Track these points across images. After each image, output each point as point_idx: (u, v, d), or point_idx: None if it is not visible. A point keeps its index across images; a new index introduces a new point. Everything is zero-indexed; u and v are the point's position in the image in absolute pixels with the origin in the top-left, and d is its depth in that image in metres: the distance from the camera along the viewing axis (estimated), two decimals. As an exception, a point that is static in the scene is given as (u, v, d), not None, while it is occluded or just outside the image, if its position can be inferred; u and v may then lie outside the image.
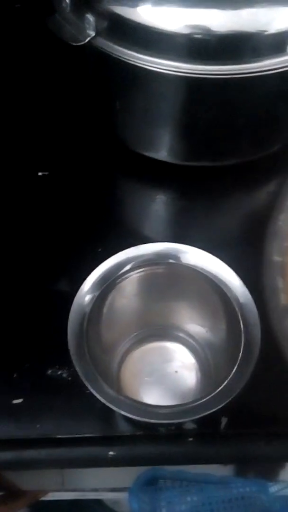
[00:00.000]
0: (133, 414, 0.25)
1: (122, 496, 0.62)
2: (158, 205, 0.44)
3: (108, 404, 0.25)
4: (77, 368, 0.26)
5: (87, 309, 0.28)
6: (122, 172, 0.46)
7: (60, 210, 0.44)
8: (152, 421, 0.25)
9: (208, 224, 0.43)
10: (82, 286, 0.29)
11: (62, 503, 0.69)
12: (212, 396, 0.26)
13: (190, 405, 0.26)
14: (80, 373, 0.26)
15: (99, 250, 0.41)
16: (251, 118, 0.39)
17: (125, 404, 0.25)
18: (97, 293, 0.28)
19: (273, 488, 0.64)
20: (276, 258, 0.16)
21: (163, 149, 0.43)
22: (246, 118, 0.39)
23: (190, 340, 0.35)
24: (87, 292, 0.28)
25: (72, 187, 0.45)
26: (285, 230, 0.16)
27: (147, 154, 0.44)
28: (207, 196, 0.45)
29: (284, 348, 0.14)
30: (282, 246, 0.16)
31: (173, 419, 0.25)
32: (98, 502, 0.72)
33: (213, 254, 0.31)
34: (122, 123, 0.44)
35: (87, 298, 0.28)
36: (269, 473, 0.62)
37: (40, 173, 0.46)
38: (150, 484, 0.62)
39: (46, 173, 0.46)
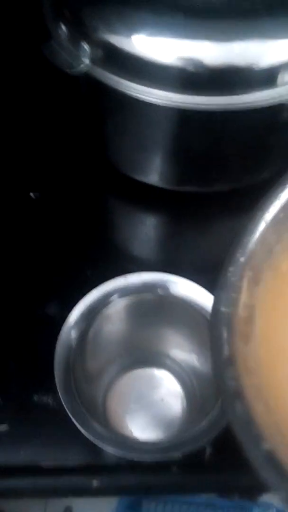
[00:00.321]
0: (119, 450, 0.25)
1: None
2: (148, 228, 0.45)
3: (95, 441, 0.25)
4: (64, 404, 0.26)
5: (73, 343, 0.28)
6: (113, 195, 0.47)
7: (50, 231, 0.44)
8: (136, 457, 0.25)
9: (197, 249, 0.44)
10: (68, 318, 0.29)
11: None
12: (198, 430, 0.26)
13: (176, 441, 0.26)
14: (67, 409, 0.26)
15: (88, 273, 0.41)
16: (240, 148, 0.40)
17: (111, 440, 0.25)
18: (83, 325, 0.28)
19: (256, 510, 0.64)
20: (223, 308, 0.17)
21: (153, 174, 0.43)
22: (235, 148, 0.39)
23: (177, 368, 0.35)
24: (74, 325, 0.29)
25: (63, 208, 0.45)
26: (233, 282, 0.17)
27: (138, 178, 0.44)
28: (196, 221, 0.45)
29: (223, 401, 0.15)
30: (229, 297, 0.17)
31: (159, 456, 0.25)
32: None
33: (201, 280, 0.32)
34: (114, 147, 0.44)
35: (73, 331, 0.28)
36: (253, 495, 0.62)
37: (31, 194, 0.46)
38: (134, 505, 0.62)
39: (37, 194, 0.46)
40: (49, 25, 0.38)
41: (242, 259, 0.18)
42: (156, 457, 0.26)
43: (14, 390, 0.35)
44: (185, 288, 0.30)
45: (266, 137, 0.39)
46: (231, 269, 0.18)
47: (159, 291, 0.30)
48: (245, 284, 0.17)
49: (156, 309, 0.32)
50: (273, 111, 0.36)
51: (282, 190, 0.20)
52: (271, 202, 0.21)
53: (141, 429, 0.34)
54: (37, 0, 0.38)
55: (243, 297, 0.17)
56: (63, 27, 0.37)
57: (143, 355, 0.35)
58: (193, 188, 0.44)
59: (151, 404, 0.34)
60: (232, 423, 0.14)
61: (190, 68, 0.34)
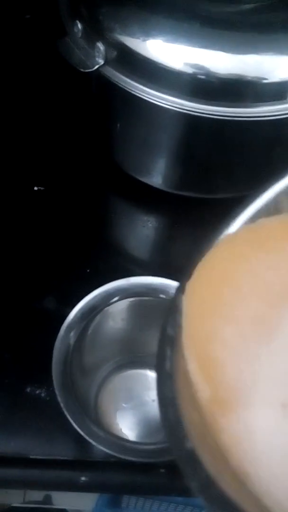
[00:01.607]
0: (110, 449, 0.25)
1: (85, 507, 0.63)
2: (149, 230, 0.45)
3: (86, 437, 0.25)
4: (59, 398, 0.26)
5: (72, 340, 0.28)
6: (116, 194, 0.47)
7: (51, 227, 0.44)
8: (129, 458, 0.25)
9: (196, 254, 0.44)
10: (69, 315, 0.30)
11: (25, 509, 0.68)
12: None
13: (166, 444, 0.26)
14: (61, 403, 0.26)
15: (88, 270, 0.42)
16: (245, 158, 0.40)
17: (103, 438, 0.25)
18: (83, 323, 0.29)
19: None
20: (169, 331, 0.18)
21: (158, 176, 0.44)
22: (241, 158, 0.40)
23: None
24: (74, 322, 0.29)
25: (65, 204, 0.46)
26: (179, 306, 0.18)
27: (142, 179, 0.45)
28: (197, 226, 0.45)
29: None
30: (176, 321, 0.18)
31: (148, 458, 0.26)
32: (61, 510, 0.72)
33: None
34: (121, 147, 0.44)
35: (73, 328, 0.29)
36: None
37: (36, 188, 0.46)
38: (114, 500, 0.62)
39: (41, 188, 0.46)
40: (65, 22, 0.38)
41: None
42: (146, 458, 0.26)
43: (8, 381, 0.36)
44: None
45: (272, 149, 0.39)
46: (179, 295, 0.19)
47: (161, 296, 0.30)
48: None
49: (155, 312, 0.32)
50: (280, 125, 0.36)
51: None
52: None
53: (131, 427, 0.34)
54: (55, -4, 0.38)
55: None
56: (79, 25, 0.37)
57: (139, 356, 0.36)
58: (196, 193, 0.44)
59: (143, 404, 0.35)
60: (164, 426, 0.16)
61: (202, 76, 0.34)
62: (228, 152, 0.39)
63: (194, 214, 0.46)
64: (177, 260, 0.44)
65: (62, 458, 0.33)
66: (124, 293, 0.30)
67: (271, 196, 0.23)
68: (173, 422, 0.16)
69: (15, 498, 0.60)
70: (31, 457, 0.33)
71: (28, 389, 0.36)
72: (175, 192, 0.44)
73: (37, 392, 0.36)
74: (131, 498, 0.65)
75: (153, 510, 0.65)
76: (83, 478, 0.32)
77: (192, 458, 0.15)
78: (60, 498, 0.62)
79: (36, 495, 0.61)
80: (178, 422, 0.16)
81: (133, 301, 0.31)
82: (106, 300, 0.30)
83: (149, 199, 0.45)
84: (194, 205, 0.45)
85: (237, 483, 0.15)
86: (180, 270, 0.43)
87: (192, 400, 0.16)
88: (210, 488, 0.15)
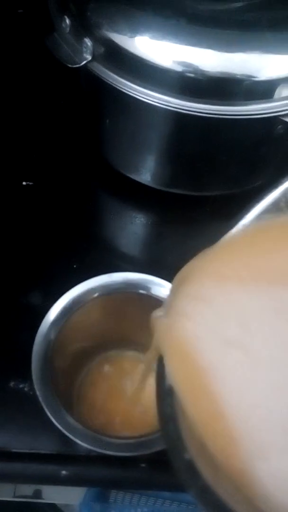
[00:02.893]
0: (89, 443, 0.25)
1: (75, 501, 0.63)
2: (137, 227, 0.45)
3: (66, 432, 0.25)
4: (38, 393, 0.27)
5: (53, 335, 0.28)
6: (105, 190, 0.47)
7: (39, 222, 0.44)
8: (107, 452, 0.26)
9: (184, 252, 0.44)
10: (50, 310, 0.30)
11: (14, 504, 0.69)
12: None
13: (147, 438, 0.26)
14: (40, 398, 0.26)
15: (74, 266, 0.42)
16: (234, 156, 0.40)
17: (82, 433, 0.26)
18: (64, 318, 0.29)
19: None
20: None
21: (146, 173, 0.44)
22: (229, 155, 0.40)
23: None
24: (55, 317, 0.29)
25: (54, 199, 0.46)
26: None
27: (130, 176, 0.45)
28: (185, 223, 0.46)
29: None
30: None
31: (129, 452, 0.26)
32: (51, 505, 0.73)
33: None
34: (109, 143, 0.44)
35: (54, 323, 0.29)
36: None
37: (24, 183, 0.46)
38: (102, 494, 0.63)
39: (30, 183, 0.46)
40: (53, 18, 0.38)
41: None
42: (126, 452, 0.26)
43: (-9, 375, 0.36)
44: (166, 290, 0.31)
45: (259, 147, 0.40)
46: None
47: (141, 291, 0.30)
48: None
49: (136, 308, 0.32)
50: (267, 124, 0.36)
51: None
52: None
53: (113, 422, 0.34)
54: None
55: None
56: (67, 21, 0.37)
57: (120, 351, 0.36)
58: (184, 190, 0.45)
59: (125, 399, 0.35)
60: (164, 438, 0.18)
61: (190, 73, 0.34)
62: (216, 150, 0.39)
63: (182, 211, 0.46)
64: (165, 257, 0.44)
65: (44, 452, 0.33)
66: (105, 288, 0.30)
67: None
68: (173, 436, 0.18)
69: (5, 493, 0.60)
70: (13, 451, 0.34)
71: (12, 384, 0.36)
72: (164, 189, 0.45)
73: (20, 386, 0.36)
74: (119, 492, 0.65)
75: (141, 505, 0.66)
76: (64, 472, 0.32)
77: (190, 468, 0.17)
78: (50, 493, 0.63)
79: (26, 490, 0.61)
80: (177, 436, 0.18)
81: (112, 297, 0.31)
82: (87, 295, 0.30)
83: (137, 195, 0.46)
84: (183, 202, 0.45)
85: (232, 488, 0.16)
86: (167, 266, 0.43)
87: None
88: (206, 494, 0.16)
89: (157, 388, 0.19)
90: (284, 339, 0.16)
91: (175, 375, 0.17)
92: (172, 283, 0.21)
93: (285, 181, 0.24)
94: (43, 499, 0.64)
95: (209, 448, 0.16)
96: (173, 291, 0.20)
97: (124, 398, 0.34)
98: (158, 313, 0.20)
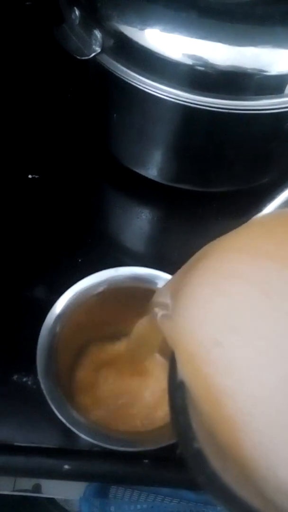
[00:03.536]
0: (92, 438, 0.25)
1: (74, 496, 0.63)
2: (142, 222, 0.45)
3: (69, 426, 0.25)
4: (43, 386, 0.26)
5: (58, 328, 0.28)
6: (110, 184, 0.47)
7: (45, 215, 0.44)
8: (110, 447, 0.25)
9: (189, 247, 0.44)
10: (56, 303, 0.30)
11: (14, 498, 0.69)
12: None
13: (150, 434, 0.26)
14: (45, 391, 0.26)
15: (80, 260, 0.42)
16: (242, 152, 0.40)
17: (85, 427, 0.26)
18: (70, 312, 0.29)
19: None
20: None
21: (153, 168, 0.43)
22: (237, 151, 0.40)
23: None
24: (61, 310, 0.29)
25: (59, 193, 0.45)
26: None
27: (137, 170, 0.44)
28: (191, 220, 0.45)
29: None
30: None
31: (132, 448, 0.26)
32: (50, 499, 0.73)
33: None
34: (116, 137, 0.44)
35: (59, 316, 0.29)
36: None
37: (30, 176, 0.46)
38: (102, 490, 0.63)
39: (36, 176, 0.46)
40: (63, 9, 0.37)
41: None
42: (129, 447, 0.26)
43: (-6, 368, 0.36)
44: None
45: (268, 143, 0.39)
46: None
47: (147, 286, 0.30)
48: None
49: (141, 302, 0.32)
50: (277, 119, 0.36)
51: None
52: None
53: (116, 417, 0.34)
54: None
55: None
56: (77, 12, 0.37)
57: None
58: (191, 186, 0.44)
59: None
60: (175, 428, 0.19)
61: (200, 67, 0.34)
62: (223, 145, 0.39)
63: (188, 207, 0.45)
64: (170, 252, 0.43)
65: (46, 446, 0.33)
66: (111, 282, 0.30)
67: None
68: (183, 427, 0.18)
69: (4, 486, 0.60)
70: (16, 444, 0.33)
71: (15, 377, 0.36)
72: (170, 184, 0.44)
73: (24, 380, 0.36)
74: (119, 488, 0.65)
75: (140, 501, 0.66)
76: (66, 466, 0.32)
77: (199, 457, 0.17)
78: (49, 487, 0.63)
79: (26, 484, 0.62)
80: (187, 426, 0.18)
81: (118, 291, 0.31)
82: (93, 289, 0.30)
83: (144, 190, 0.45)
84: (189, 198, 0.45)
85: (241, 477, 0.16)
86: (172, 263, 0.43)
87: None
88: (214, 481, 0.17)
89: (169, 381, 0.19)
90: None
91: (187, 375, 0.17)
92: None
93: None
94: (42, 493, 0.64)
95: (217, 438, 0.16)
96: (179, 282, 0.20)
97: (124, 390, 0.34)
98: (161, 303, 0.20)
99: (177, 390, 0.19)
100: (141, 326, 0.27)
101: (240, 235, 0.20)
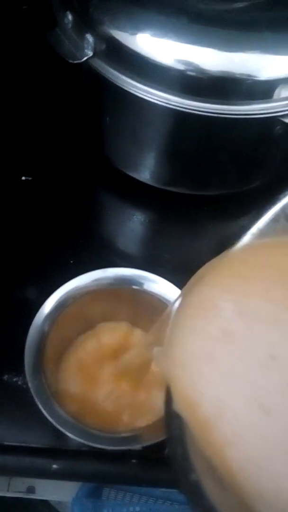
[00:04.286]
0: (80, 437, 0.25)
1: (67, 498, 0.63)
2: (134, 224, 0.45)
3: (57, 425, 0.26)
4: (30, 386, 0.27)
5: (46, 328, 0.28)
6: (104, 187, 0.47)
7: (38, 217, 0.44)
8: (97, 446, 0.26)
9: (180, 250, 0.44)
10: (44, 304, 0.30)
11: (6, 499, 0.69)
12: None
13: (137, 433, 0.26)
14: (32, 391, 0.27)
15: (71, 261, 0.42)
16: (233, 155, 0.40)
17: (72, 426, 0.26)
18: (58, 312, 0.29)
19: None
20: None
21: (145, 171, 0.44)
22: (228, 155, 0.40)
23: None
24: (49, 311, 0.29)
25: (52, 195, 0.46)
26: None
27: (130, 173, 0.45)
28: (183, 222, 0.46)
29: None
30: None
31: (119, 447, 0.26)
32: (44, 501, 0.73)
33: (181, 280, 0.32)
34: (109, 140, 0.45)
35: (48, 317, 0.29)
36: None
37: (23, 178, 0.46)
38: (94, 492, 0.63)
39: (29, 178, 0.46)
40: (56, 13, 0.38)
41: None
42: (116, 447, 0.27)
43: (-15, 368, 0.36)
44: (159, 286, 0.31)
45: (258, 148, 0.40)
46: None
47: (134, 287, 0.30)
48: None
49: (129, 303, 0.32)
50: (266, 124, 0.36)
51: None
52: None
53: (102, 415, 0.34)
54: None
55: None
56: (70, 16, 0.37)
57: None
58: (182, 189, 0.45)
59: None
60: (172, 459, 0.18)
61: (190, 72, 0.34)
62: (214, 149, 0.40)
63: (180, 210, 0.46)
64: (162, 255, 0.44)
65: (35, 445, 0.33)
66: (99, 283, 0.30)
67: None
68: (180, 458, 0.18)
69: (-1, 488, 0.60)
70: (5, 443, 0.34)
71: (5, 377, 0.36)
72: (163, 187, 0.45)
73: (14, 379, 0.36)
74: (111, 490, 0.65)
75: (133, 503, 0.66)
76: (54, 466, 0.32)
77: (196, 489, 0.17)
78: (43, 489, 0.63)
79: (20, 486, 0.62)
80: (184, 457, 0.18)
81: (106, 292, 0.31)
82: (81, 290, 0.30)
83: (136, 193, 0.46)
84: (181, 201, 0.46)
85: (241, 507, 0.16)
86: (163, 265, 0.43)
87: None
88: None
89: (165, 411, 0.19)
90: None
91: (181, 410, 0.18)
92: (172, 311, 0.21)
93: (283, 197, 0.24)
94: (36, 495, 0.64)
95: (218, 471, 0.16)
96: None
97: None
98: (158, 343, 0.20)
99: (173, 419, 0.18)
100: (135, 357, 0.27)
101: (220, 272, 0.20)
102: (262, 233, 0.23)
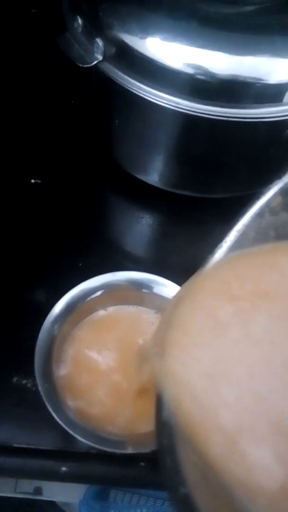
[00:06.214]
0: (89, 440, 0.26)
1: (75, 499, 0.63)
2: (143, 226, 0.45)
3: (67, 428, 0.26)
4: (40, 389, 0.27)
5: (56, 331, 0.28)
6: (112, 189, 0.47)
7: (47, 220, 0.45)
8: (106, 449, 0.26)
9: (189, 252, 0.44)
10: (54, 307, 0.30)
11: (13, 500, 0.69)
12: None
13: (146, 437, 0.27)
14: (42, 393, 0.27)
15: (80, 264, 0.42)
16: (242, 159, 0.40)
17: (81, 429, 0.26)
18: (68, 315, 0.29)
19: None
20: None
21: (154, 174, 0.44)
22: (237, 158, 0.40)
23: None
24: (59, 313, 0.29)
25: (61, 198, 0.46)
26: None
27: (138, 176, 0.45)
28: (191, 225, 0.46)
29: None
30: None
31: (128, 450, 0.26)
32: (50, 502, 0.73)
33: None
34: (118, 143, 0.45)
35: (57, 319, 0.29)
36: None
37: (33, 181, 0.46)
38: (102, 493, 0.63)
39: (38, 181, 0.46)
40: (66, 17, 0.38)
41: None
42: (125, 450, 0.27)
43: (-5, 370, 0.36)
44: (169, 290, 0.31)
45: (267, 151, 0.40)
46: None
47: (144, 290, 0.31)
48: None
49: (138, 305, 0.32)
50: (276, 127, 0.36)
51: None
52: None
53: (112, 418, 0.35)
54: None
55: None
56: (80, 21, 0.37)
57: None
58: (191, 192, 0.45)
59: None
60: (162, 472, 0.18)
61: (199, 75, 0.34)
62: (224, 152, 0.40)
63: (189, 213, 0.46)
64: (170, 257, 0.44)
65: (44, 448, 0.33)
66: (109, 286, 0.31)
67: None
68: (170, 470, 0.17)
69: (6, 488, 0.61)
70: (14, 445, 0.34)
71: (15, 379, 0.36)
72: (171, 190, 0.45)
73: (23, 382, 0.36)
74: (119, 492, 0.65)
75: (140, 505, 0.66)
76: (63, 469, 0.32)
77: (186, 502, 0.17)
78: (50, 491, 0.63)
79: (27, 487, 0.62)
80: (174, 469, 0.17)
81: (115, 294, 0.31)
82: (91, 293, 0.30)
83: (145, 196, 0.46)
84: (190, 204, 0.46)
85: None
86: (172, 268, 0.43)
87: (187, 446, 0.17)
88: None
89: (156, 417, 0.18)
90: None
91: (176, 411, 0.17)
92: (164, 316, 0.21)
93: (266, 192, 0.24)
94: (43, 496, 0.64)
95: (213, 479, 0.16)
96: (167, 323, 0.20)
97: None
98: (151, 343, 0.20)
99: (164, 426, 0.18)
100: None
101: (210, 281, 0.20)
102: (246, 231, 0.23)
